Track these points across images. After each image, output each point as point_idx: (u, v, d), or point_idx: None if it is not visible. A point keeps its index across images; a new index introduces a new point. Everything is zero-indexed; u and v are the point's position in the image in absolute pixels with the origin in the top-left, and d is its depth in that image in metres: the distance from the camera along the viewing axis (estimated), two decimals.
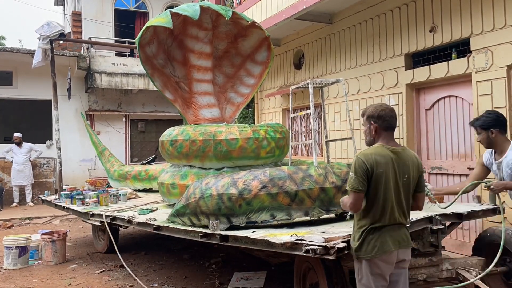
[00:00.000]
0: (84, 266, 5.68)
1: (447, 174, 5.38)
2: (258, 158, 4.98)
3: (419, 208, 2.75)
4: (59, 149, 7.24)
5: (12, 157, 10.72)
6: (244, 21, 5.86)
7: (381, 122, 2.60)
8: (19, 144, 10.84)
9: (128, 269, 4.93)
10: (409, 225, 2.78)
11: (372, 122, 2.61)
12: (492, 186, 3.51)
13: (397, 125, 5.81)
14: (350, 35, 6.82)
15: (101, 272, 5.35)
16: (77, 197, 6.06)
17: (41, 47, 7.10)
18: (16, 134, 10.96)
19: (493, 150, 3.58)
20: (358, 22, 6.63)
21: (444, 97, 5.49)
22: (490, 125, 3.47)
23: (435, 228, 3.52)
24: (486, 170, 3.73)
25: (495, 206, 4.05)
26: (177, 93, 5.99)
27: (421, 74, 5.56)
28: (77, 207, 5.86)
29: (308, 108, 6.90)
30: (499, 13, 4.59)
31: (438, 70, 5.32)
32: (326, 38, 7.38)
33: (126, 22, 13.69)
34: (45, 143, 12.19)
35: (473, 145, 4.97)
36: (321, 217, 3.73)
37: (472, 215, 3.89)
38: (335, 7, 6.79)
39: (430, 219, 3.51)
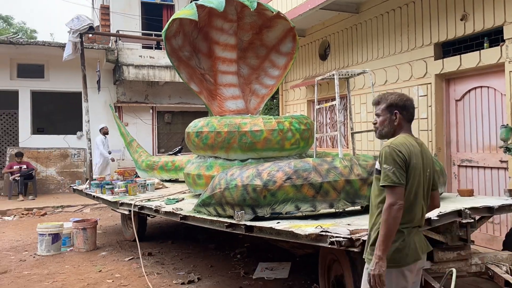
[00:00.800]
0: (114, 254, 5.86)
1: (478, 167, 5.24)
2: (283, 150, 4.98)
3: (436, 206, 2.50)
4: (89, 140, 7.44)
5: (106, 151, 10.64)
6: (269, 12, 5.84)
7: (406, 112, 2.35)
8: (106, 134, 10.82)
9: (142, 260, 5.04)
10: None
11: (396, 111, 2.34)
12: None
13: (425, 116, 5.71)
14: (378, 24, 6.68)
15: (130, 259, 5.51)
16: (106, 186, 6.23)
17: (71, 41, 7.25)
18: (103, 125, 10.89)
19: None
20: (385, 11, 6.48)
21: (475, 88, 5.33)
22: None
23: (464, 222, 3.45)
24: None
25: None
26: (202, 85, 6.05)
27: (452, 64, 5.40)
28: (106, 196, 6.03)
29: (333, 99, 6.83)
30: None
31: (469, 59, 5.16)
32: (353, 28, 7.26)
33: (153, 15, 13.85)
34: (75, 134, 12.56)
35: None
36: (346, 209, 3.71)
37: (503, 208, 3.79)
38: None
39: (459, 213, 3.44)
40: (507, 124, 4.37)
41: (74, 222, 6.22)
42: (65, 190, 11.83)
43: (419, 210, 2.28)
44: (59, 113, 14.14)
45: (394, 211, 2.13)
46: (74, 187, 7.50)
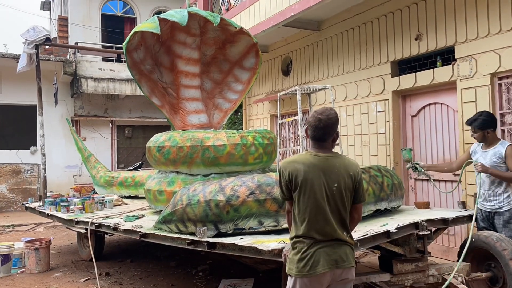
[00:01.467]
0: (69, 275, 5.58)
1: (433, 180, 5.43)
2: (246, 164, 4.97)
3: (355, 219, 2.51)
4: (44, 155, 7.12)
5: None
6: (232, 27, 5.87)
7: (309, 131, 2.47)
8: None
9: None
10: (350, 240, 2.46)
11: (307, 129, 2.49)
12: (478, 165, 3.88)
13: (384, 131, 5.89)
14: (338, 42, 6.89)
15: (86, 280, 5.26)
16: (61, 204, 5.97)
17: (26, 52, 6.97)
18: None
19: (481, 143, 4.07)
20: (345, 29, 6.70)
21: (429, 104, 5.57)
22: (485, 127, 3.95)
23: (421, 233, 3.55)
24: (470, 157, 4.18)
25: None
26: (164, 99, 5.96)
27: (407, 81, 5.63)
28: (61, 214, 5.76)
29: (296, 114, 6.92)
30: (482, 22, 4.69)
31: (424, 77, 5.40)
32: (314, 45, 7.44)
33: (114, 27, 13.62)
34: (29, 149, 12.01)
35: (458, 151, 5.04)
36: None
37: (457, 220, 3.94)
38: (323, 14, 6.85)
39: (416, 225, 3.54)
40: (405, 147, 4.83)
41: (25, 242, 5.89)
42: (16, 208, 11.24)
43: (325, 225, 2.35)
44: (11, 127, 13.48)
45: (288, 216, 2.59)
46: (27, 205, 7.13)
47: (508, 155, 3.80)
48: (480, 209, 4.02)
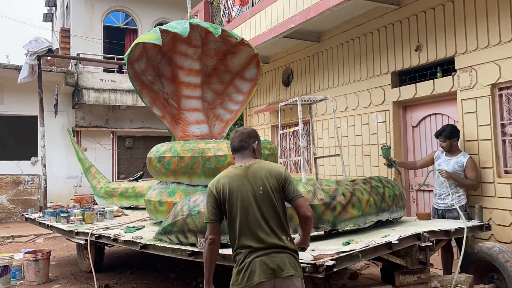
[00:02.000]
0: (68, 286, 5.53)
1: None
2: None
3: (305, 214, 2.43)
4: (44, 165, 7.11)
5: None
6: (233, 38, 5.91)
7: (230, 146, 2.63)
8: None
9: None
10: (289, 246, 2.39)
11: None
12: (443, 172, 4.51)
13: (384, 141, 5.88)
14: (338, 53, 6.92)
15: None
16: (61, 215, 5.94)
17: (28, 63, 7.01)
18: None
19: (444, 150, 4.72)
20: (345, 40, 6.74)
21: (430, 115, 5.57)
22: (452, 136, 4.62)
23: (423, 245, 3.52)
24: (432, 161, 4.90)
25: (482, 223, 4.09)
26: (165, 110, 5.98)
27: (408, 92, 5.64)
28: (61, 225, 5.74)
29: (296, 124, 6.93)
30: (482, 33, 4.71)
31: (424, 88, 5.41)
32: (314, 56, 7.47)
33: (115, 38, 13.72)
34: (30, 159, 12.00)
35: (466, 164, 5.01)
36: None
37: (459, 231, 3.91)
38: (323, 26, 6.90)
39: (418, 236, 3.51)
40: (386, 145, 5.32)
41: (25, 253, 5.85)
42: (16, 219, 11.19)
43: (258, 230, 2.34)
44: (12, 138, 13.50)
45: (206, 245, 2.46)
46: (27, 216, 7.10)
47: (468, 166, 4.51)
48: (436, 208, 4.72)
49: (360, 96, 6.42)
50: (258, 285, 2.27)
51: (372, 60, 6.22)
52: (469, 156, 4.58)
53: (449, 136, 4.60)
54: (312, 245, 3.42)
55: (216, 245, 2.46)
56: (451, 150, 4.65)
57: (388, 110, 5.93)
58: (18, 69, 10.04)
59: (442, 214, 4.68)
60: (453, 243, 5.12)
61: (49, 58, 11.53)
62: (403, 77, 5.88)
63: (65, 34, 13.12)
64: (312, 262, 2.75)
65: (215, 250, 2.47)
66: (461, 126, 4.94)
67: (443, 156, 4.73)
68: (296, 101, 5.03)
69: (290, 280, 2.31)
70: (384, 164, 5.17)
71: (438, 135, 4.71)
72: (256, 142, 2.61)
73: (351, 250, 3.00)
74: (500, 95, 4.63)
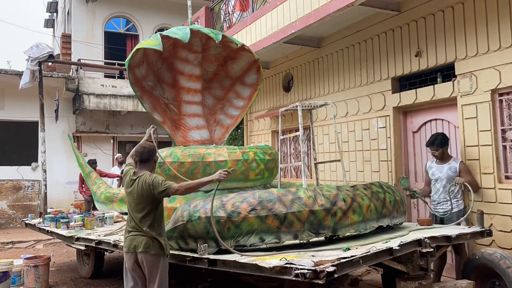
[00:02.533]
0: None
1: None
2: (247, 180, 4.95)
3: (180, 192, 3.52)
4: (45, 171, 7.11)
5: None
6: (233, 44, 5.93)
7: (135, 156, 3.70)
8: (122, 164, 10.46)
9: None
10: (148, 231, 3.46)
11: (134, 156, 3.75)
12: (461, 179, 4.56)
13: (385, 147, 5.87)
14: (338, 59, 6.94)
15: None
16: (61, 220, 5.94)
17: (29, 69, 7.04)
18: (119, 155, 10.76)
19: (434, 159, 4.89)
20: (345, 46, 6.76)
21: (430, 120, 5.57)
22: (444, 144, 4.77)
23: (424, 251, 3.51)
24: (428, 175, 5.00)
25: (483, 229, 4.08)
26: (166, 115, 5.98)
27: (408, 97, 5.65)
28: (61, 231, 5.73)
29: (297, 130, 6.93)
30: (482, 38, 4.72)
31: (424, 93, 5.42)
32: (315, 61, 7.49)
33: (116, 44, 13.77)
34: (30, 165, 12.00)
35: (460, 168, 5.01)
36: (310, 240, 3.69)
37: (460, 237, 3.90)
38: (323, 31, 6.92)
39: (419, 242, 3.50)
40: (403, 176, 5.25)
41: (25, 259, 5.83)
42: (16, 225, 11.17)
43: (131, 220, 3.55)
44: (13, 143, 13.51)
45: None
46: (27, 222, 7.09)
47: (462, 170, 4.69)
48: (434, 214, 4.80)
49: (361, 102, 6.42)
50: (127, 253, 3.53)
51: (372, 65, 6.23)
52: (460, 160, 4.78)
53: (441, 144, 4.75)
54: (312, 251, 3.41)
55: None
56: (443, 157, 4.80)
57: (389, 115, 5.93)
58: (19, 74, 10.07)
59: (441, 220, 4.75)
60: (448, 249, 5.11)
61: (50, 63, 11.58)
62: (404, 83, 5.88)
63: (66, 39, 13.17)
64: (313, 268, 2.74)
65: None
66: (461, 131, 4.94)
67: (434, 165, 4.88)
68: (296, 106, 5.04)
69: (145, 255, 3.43)
70: (407, 195, 5.01)
71: (430, 144, 4.83)
72: (154, 159, 3.82)
73: (352, 256, 2.98)
74: (501, 101, 4.63)
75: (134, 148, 3.75)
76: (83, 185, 9.66)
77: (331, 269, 2.70)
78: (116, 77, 12.84)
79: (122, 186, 7.07)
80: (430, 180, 4.92)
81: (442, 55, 5.18)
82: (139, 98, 5.71)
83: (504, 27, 4.51)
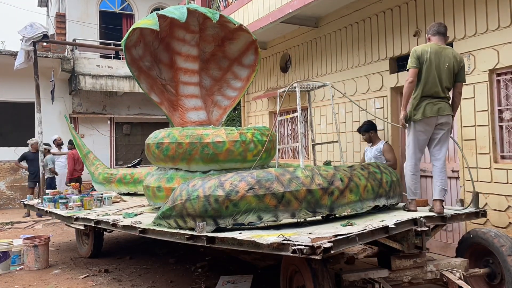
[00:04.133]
0: (68, 272, 5.58)
1: (431, 177, 5.45)
2: (245, 161, 4.98)
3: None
4: (42, 152, 7.11)
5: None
6: (231, 24, 5.87)
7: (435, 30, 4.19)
8: (60, 146, 10.45)
9: None
10: None
11: None
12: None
13: (382, 128, 5.90)
14: (336, 39, 6.88)
15: (84, 277, 5.27)
16: (60, 201, 5.96)
17: (24, 49, 6.95)
18: (57, 136, 10.66)
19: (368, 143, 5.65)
20: (343, 26, 6.70)
21: None
22: (369, 129, 5.52)
23: (419, 230, 3.56)
24: (364, 158, 5.67)
25: (478, 209, 4.14)
26: (163, 96, 5.96)
27: (406, 78, 5.62)
28: (60, 211, 5.77)
29: (294, 111, 6.92)
30: (481, 18, 4.69)
31: None
32: (312, 41, 7.43)
33: (111, 24, 13.58)
34: (27, 146, 11.97)
35: (456, 148, 5.05)
36: (307, 219, 3.73)
37: (455, 217, 3.96)
38: (321, 11, 6.85)
39: (414, 221, 3.55)
40: (327, 160, 6.12)
41: (24, 239, 5.89)
42: (15, 205, 11.22)
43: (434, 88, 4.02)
44: (9, 124, 13.45)
45: (407, 83, 4.10)
46: (25, 202, 7.13)
47: (384, 150, 5.36)
48: None
49: (358, 82, 6.41)
50: (428, 118, 3.89)
51: (370, 45, 6.19)
52: (384, 142, 5.48)
53: (366, 130, 5.52)
54: (309, 229, 3.46)
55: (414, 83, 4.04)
56: (372, 141, 5.54)
57: (386, 96, 5.93)
58: (14, 55, 9.96)
59: None
60: (449, 228, 5.19)
61: (44, 44, 11.44)
62: (402, 63, 5.85)
63: (61, 19, 12.98)
64: (310, 244, 2.78)
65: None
66: (458, 111, 4.95)
67: (368, 148, 5.63)
68: (294, 87, 5.02)
69: (448, 117, 3.91)
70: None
71: (359, 131, 5.68)
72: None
73: (348, 233, 3.03)
74: (498, 81, 4.63)
75: None
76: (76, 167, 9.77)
77: (328, 245, 2.75)
78: (112, 57, 12.71)
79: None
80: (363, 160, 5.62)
81: None
82: (136, 79, 5.67)
83: (504, 7, 4.47)
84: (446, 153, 4.18)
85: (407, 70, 4.12)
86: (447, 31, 4.15)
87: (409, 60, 4.00)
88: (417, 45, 5.49)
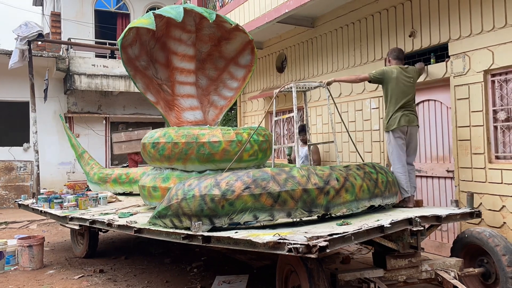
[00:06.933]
0: (62, 272, 5.55)
1: (426, 177, 5.48)
2: (241, 161, 4.97)
3: None
4: (37, 152, 7.06)
5: None
6: (227, 24, 5.87)
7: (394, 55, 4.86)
8: None
9: None
10: None
11: None
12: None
13: (378, 128, 5.92)
14: (332, 39, 6.90)
15: (79, 277, 5.24)
16: (55, 200, 5.93)
17: (19, 48, 6.90)
18: None
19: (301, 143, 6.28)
20: (339, 26, 6.71)
21: (423, 101, 5.59)
22: (302, 131, 6.20)
23: (414, 229, 3.57)
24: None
25: (473, 210, 4.16)
26: (159, 95, 5.94)
27: (363, 77, 5.62)
28: (55, 211, 5.73)
29: (290, 111, 6.93)
30: (476, 19, 4.72)
31: None
32: (308, 41, 7.44)
33: (107, 23, 13.53)
34: (22, 146, 11.91)
35: (451, 148, 5.08)
36: (303, 219, 3.74)
37: (450, 218, 3.97)
38: (317, 11, 6.86)
39: (409, 221, 3.56)
40: (288, 146, 6.38)
41: (19, 239, 5.85)
42: (9, 205, 11.16)
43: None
44: (4, 124, 13.37)
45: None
46: (20, 202, 7.08)
47: (312, 151, 5.99)
48: None
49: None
50: (402, 127, 4.50)
51: (366, 46, 6.21)
52: (312, 144, 5.90)
53: (300, 131, 6.13)
54: (305, 228, 3.47)
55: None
56: (304, 141, 6.32)
57: (382, 96, 5.94)
58: (8, 54, 9.90)
59: None
60: (444, 228, 5.21)
61: (39, 43, 11.38)
62: None
63: (56, 18, 12.92)
64: (305, 243, 2.79)
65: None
66: (453, 112, 4.98)
67: (301, 148, 6.24)
68: (290, 87, 5.03)
69: (416, 127, 4.60)
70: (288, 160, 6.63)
71: (299, 132, 5.99)
72: None
73: (344, 232, 3.04)
74: (493, 81, 4.66)
75: None
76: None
77: (324, 244, 2.75)
78: (108, 56, 12.66)
79: None
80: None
81: (436, 36, 5.18)
82: (132, 78, 5.65)
83: (498, 7, 4.50)
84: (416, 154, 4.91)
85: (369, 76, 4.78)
86: (404, 57, 4.94)
87: (375, 70, 4.76)
88: (413, 45, 5.53)
